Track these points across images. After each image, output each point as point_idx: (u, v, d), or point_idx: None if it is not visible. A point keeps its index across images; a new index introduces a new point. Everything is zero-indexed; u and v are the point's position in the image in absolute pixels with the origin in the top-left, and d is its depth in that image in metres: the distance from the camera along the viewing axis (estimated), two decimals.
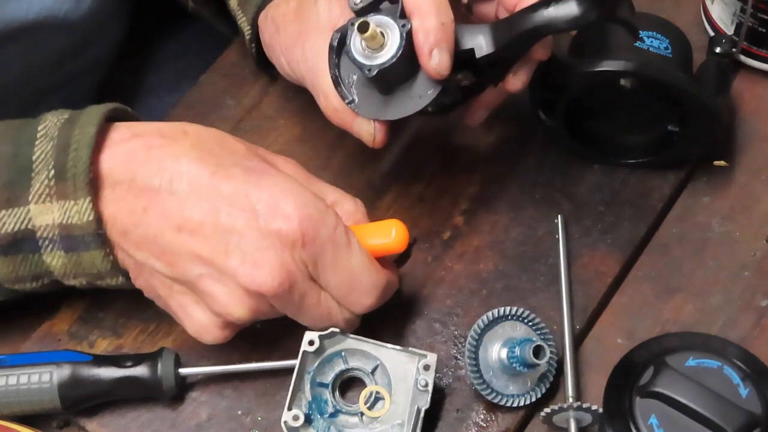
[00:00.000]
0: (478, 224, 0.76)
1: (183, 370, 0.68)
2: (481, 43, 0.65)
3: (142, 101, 0.96)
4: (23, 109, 0.85)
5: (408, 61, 0.63)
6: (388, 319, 0.72)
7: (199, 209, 0.61)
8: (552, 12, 0.63)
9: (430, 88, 0.65)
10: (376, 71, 0.62)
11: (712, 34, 0.81)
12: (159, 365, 0.67)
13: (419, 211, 0.76)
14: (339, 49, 0.65)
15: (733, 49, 0.74)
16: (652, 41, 0.72)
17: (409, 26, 0.62)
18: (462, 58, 0.65)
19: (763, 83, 0.81)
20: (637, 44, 0.72)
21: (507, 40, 0.65)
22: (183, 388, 0.69)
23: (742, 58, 0.81)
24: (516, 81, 0.69)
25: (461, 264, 0.74)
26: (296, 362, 0.66)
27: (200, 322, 0.64)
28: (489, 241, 0.75)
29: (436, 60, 0.63)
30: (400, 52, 0.62)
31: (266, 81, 0.82)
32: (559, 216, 0.75)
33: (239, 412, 0.69)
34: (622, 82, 0.72)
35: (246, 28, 0.76)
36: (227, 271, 0.61)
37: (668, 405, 0.61)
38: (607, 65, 0.70)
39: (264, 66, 0.78)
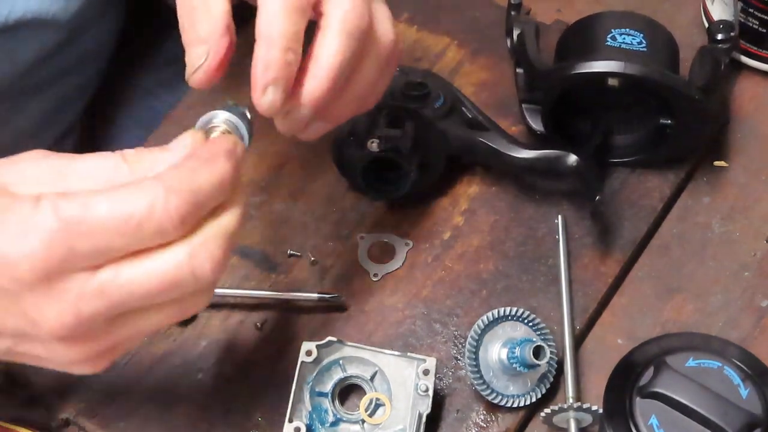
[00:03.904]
0: (478, 224, 0.76)
1: None
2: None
3: (142, 102, 0.97)
4: (12, 106, 0.85)
5: None
6: (388, 320, 0.72)
7: None
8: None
9: None
10: None
11: None
12: None
13: (419, 211, 0.76)
14: None
15: (732, 34, 0.73)
16: (624, 38, 0.73)
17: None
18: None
19: (763, 83, 0.81)
20: (608, 43, 0.72)
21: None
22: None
23: (743, 58, 0.81)
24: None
25: (461, 264, 0.74)
26: (315, 295, 0.67)
27: (64, 369, 0.54)
28: (489, 241, 0.75)
29: (269, 98, 0.58)
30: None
31: None
32: (559, 216, 0.75)
33: (239, 412, 0.69)
34: (609, 81, 0.72)
35: None
36: (20, 335, 0.52)
37: (668, 405, 0.61)
38: (573, 69, 0.71)
39: None
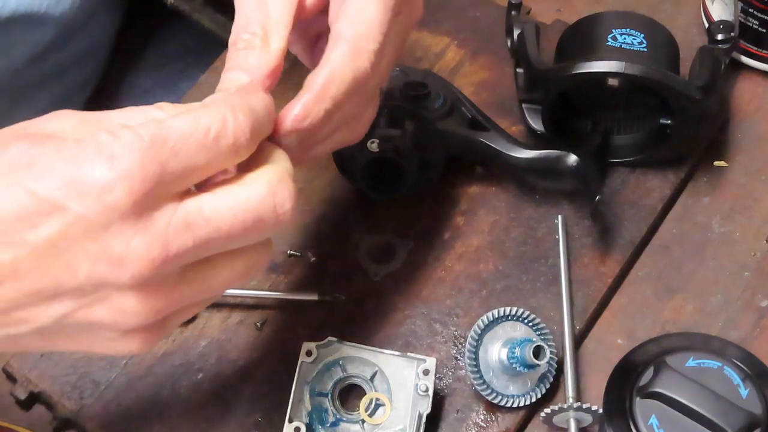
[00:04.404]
0: (478, 224, 0.76)
1: None
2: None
3: (141, 102, 0.96)
4: (9, 104, 0.85)
5: None
6: (388, 320, 0.72)
7: None
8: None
9: None
10: None
11: None
12: None
13: (419, 211, 0.76)
14: None
15: (732, 34, 0.73)
16: (625, 38, 0.73)
17: None
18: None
19: (763, 83, 0.81)
20: (609, 43, 0.72)
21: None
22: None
23: (743, 58, 0.81)
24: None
25: (461, 264, 0.74)
26: (315, 295, 0.68)
27: (109, 348, 0.50)
28: (489, 241, 0.75)
29: (289, 140, 0.55)
30: None
31: None
32: (559, 216, 0.75)
33: (239, 412, 0.69)
34: (609, 81, 0.72)
35: None
36: (88, 292, 0.47)
37: (668, 405, 0.61)
38: (573, 69, 0.71)
39: None
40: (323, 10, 0.59)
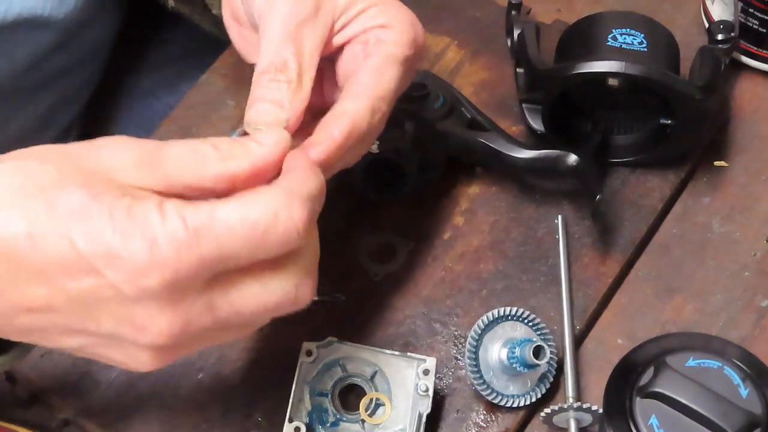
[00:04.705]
0: (478, 224, 0.76)
1: None
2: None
3: (142, 102, 0.97)
4: (10, 106, 0.85)
5: None
6: (388, 320, 0.72)
7: (36, 285, 0.49)
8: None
9: None
10: None
11: None
12: None
13: (419, 211, 0.76)
14: None
15: (732, 34, 0.73)
16: (625, 38, 0.73)
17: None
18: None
19: (763, 83, 0.81)
20: (609, 43, 0.72)
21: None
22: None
23: (743, 58, 0.81)
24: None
25: (461, 264, 0.74)
26: (315, 296, 0.66)
27: (123, 362, 0.53)
28: (489, 241, 0.75)
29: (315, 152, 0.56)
30: None
31: None
32: (559, 216, 0.75)
33: (239, 412, 0.69)
34: (609, 81, 0.72)
35: None
36: (108, 338, 0.50)
37: (668, 405, 0.61)
38: (573, 69, 0.71)
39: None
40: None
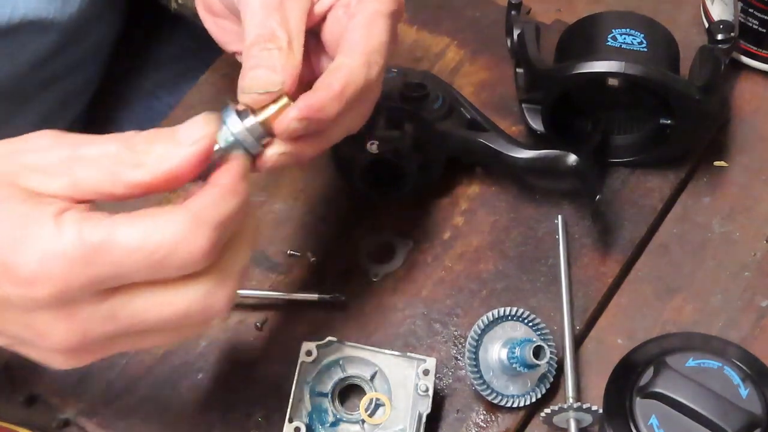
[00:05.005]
0: (478, 224, 0.76)
1: None
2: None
3: (142, 102, 0.97)
4: (12, 107, 0.85)
5: None
6: (388, 320, 0.72)
7: None
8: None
9: None
10: None
11: None
12: None
13: (419, 211, 0.76)
14: None
15: (732, 34, 0.73)
16: (625, 38, 0.73)
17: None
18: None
19: (763, 83, 0.81)
20: (609, 43, 0.72)
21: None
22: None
23: (743, 58, 0.81)
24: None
25: (461, 264, 0.74)
26: (315, 295, 0.69)
27: (43, 362, 0.54)
28: (489, 241, 0.75)
29: (293, 126, 0.55)
30: None
31: None
32: (559, 216, 0.75)
33: (239, 412, 0.69)
34: (609, 81, 0.72)
35: None
36: (20, 340, 0.52)
37: (668, 405, 0.61)
38: (573, 69, 0.71)
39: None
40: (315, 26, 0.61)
